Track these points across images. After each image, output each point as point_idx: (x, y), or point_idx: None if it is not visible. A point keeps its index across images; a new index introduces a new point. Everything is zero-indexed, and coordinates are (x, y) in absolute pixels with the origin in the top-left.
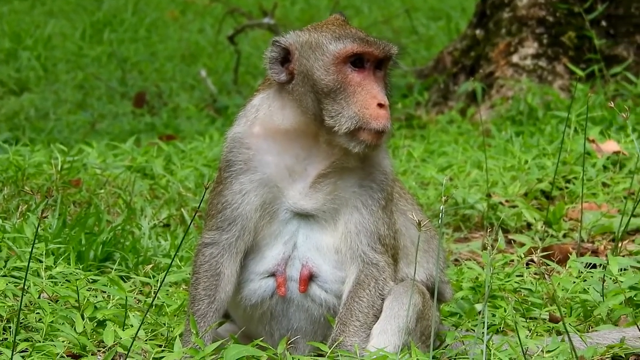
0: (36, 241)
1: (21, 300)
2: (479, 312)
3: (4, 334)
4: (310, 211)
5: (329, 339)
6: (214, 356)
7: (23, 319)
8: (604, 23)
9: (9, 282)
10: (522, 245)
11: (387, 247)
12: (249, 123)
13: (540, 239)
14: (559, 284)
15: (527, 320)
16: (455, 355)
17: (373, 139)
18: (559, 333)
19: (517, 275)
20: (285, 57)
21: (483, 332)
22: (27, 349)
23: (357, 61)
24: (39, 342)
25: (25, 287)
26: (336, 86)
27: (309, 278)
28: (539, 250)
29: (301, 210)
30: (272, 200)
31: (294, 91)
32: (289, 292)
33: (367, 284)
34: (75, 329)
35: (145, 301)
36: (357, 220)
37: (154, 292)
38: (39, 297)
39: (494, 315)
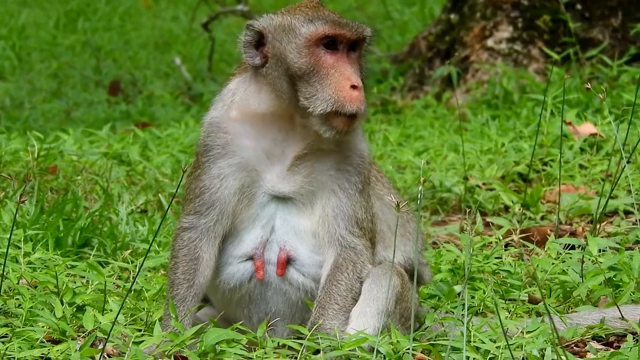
0: (14, 227)
1: (0, 286)
2: (458, 294)
3: None
4: (287, 194)
5: (308, 322)
6: (193, 340)
7: (2, 304)
8: (578, 6)
9: None
10: (500, 227)
11: (365, 231)
12: (225, 107)
13: (518, 222)
14: (537, 265)
15: (507, 302)
16: (435, 337)
17: (345, 124)
18: (538, 314)
19: (495, 257)
20: (259, 41)
21: (463, 314)
22: (6, 334)
23: (329, 43)
24: (19, 327)
25: (4, 273)
26: (309, 69)
27: (287, 262)
28: (518, 231)
29: (279, 193)
30: (250, 183)
31: (268, 74)
32: (267, 275)
33: (345, 268)
34: (54, 314)
35: (124, 286)
36: (334, 204)
37: (133, 277)
38: (18, 283)
39: (473, 297)
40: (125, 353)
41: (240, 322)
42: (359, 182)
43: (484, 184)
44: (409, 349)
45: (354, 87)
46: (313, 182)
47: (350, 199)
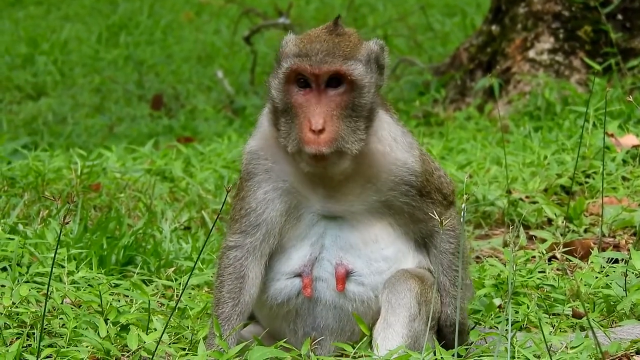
0: (58, 246)
1: (45, 306)
2: (499, 307)
3: (28, 340)
4: (339, 213)
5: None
6: (238, 358)
7: (47, 324)
8: (619, 16)
9: (32, 288)
10: (543, 241)
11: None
12: (262, 135)
13: (562, 235)
14: (581, 279)
15: (551, 317)
16: (481, 352)
17: (314, 162)
18: (582, 329)
19: (539, 272)
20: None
21: (507, 329)
22: (51, 354)
23: (301, 80)
24: (63, 347)
25: (49, 293)
26: (284, 107)
27: (346, 276)
28: (561, 246)
29: (329, 213)
30: (296, 205)
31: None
32: (316, 292)
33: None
34: (99, 333)
35: (168, 304)
36: (393, 219)
37: (177, 295)
38: (62, 303)
39: (517, 312)
40: None
41: (285, 340)
42: (415, 193)
43: (526, 197)
44: None
45: (313, 130)
46: (364, 202)
47: (408, 207)
